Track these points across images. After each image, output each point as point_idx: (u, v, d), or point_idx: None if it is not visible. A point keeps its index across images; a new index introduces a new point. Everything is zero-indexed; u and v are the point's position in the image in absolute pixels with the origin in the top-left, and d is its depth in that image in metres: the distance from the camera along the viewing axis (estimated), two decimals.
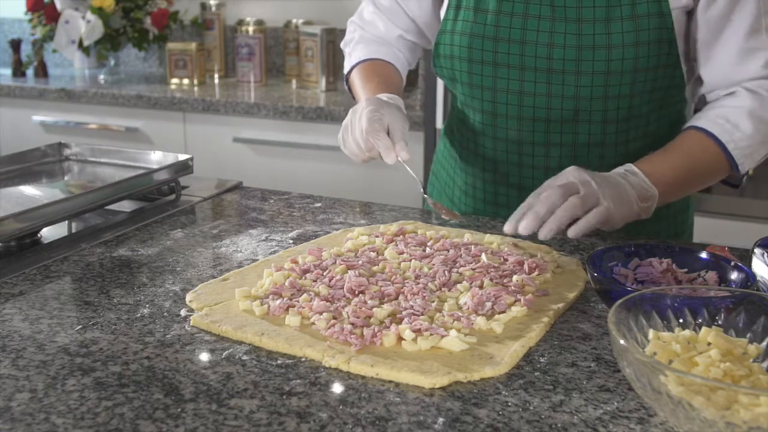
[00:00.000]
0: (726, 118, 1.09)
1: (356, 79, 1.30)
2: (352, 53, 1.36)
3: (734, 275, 0.88)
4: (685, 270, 0.92)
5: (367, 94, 1.21)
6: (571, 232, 0.96)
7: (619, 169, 1.06)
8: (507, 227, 0.98)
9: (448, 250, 1.02)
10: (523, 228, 0.96)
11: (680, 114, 1.23)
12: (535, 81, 1.13)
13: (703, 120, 1.11)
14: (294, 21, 2.99)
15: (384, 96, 1.17)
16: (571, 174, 1.00)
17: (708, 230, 2.20)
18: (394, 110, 1.12)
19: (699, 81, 1.16)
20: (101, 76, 3.11)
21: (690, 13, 1.12)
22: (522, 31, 1.12)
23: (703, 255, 0.92)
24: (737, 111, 1.09)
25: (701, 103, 1.18)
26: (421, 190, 1.15)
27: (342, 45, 1.42)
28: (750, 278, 0.85)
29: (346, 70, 1.37)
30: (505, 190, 1.24)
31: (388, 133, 1.09)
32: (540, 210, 0.96)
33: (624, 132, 1.17)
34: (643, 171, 1.05)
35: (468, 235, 1.09)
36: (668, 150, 1.10)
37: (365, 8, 1.38)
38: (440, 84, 2.31)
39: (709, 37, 1.11)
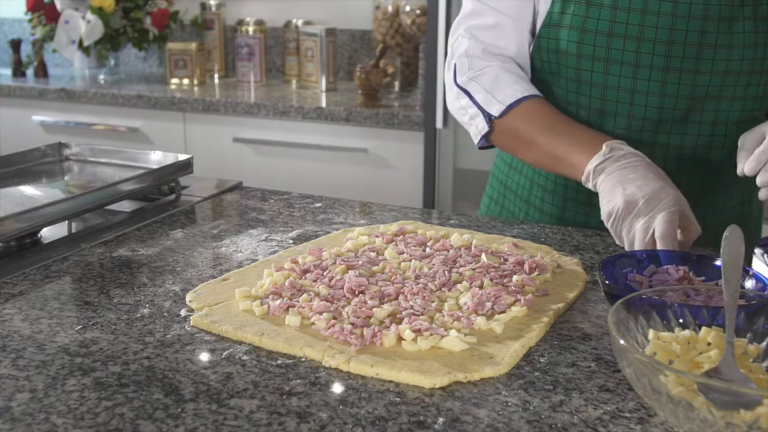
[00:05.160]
0: None
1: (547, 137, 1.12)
2: (495, 93, 1.16)
3: (750, 283, 0.85)
4: (702, 278, 0.90)
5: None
6: None
7: None
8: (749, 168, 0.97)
9: (448, 250, 1.02)
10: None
11: None
12: (649, 79, 1.09)
13: None
14: (294, 21, 2.99)
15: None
16: None
17: None
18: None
19: None
20: (101, 76, 3.11)
21: None
22: (639, 27, 1.07)
23: (720, 263, 0.90)
24: None
25: None
26: None
27: (453, 81, 1.21)
28: (766, 287, 0.83)
29: (484, 123, 1.16)
30: None
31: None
32: None
33: (733, 136, 1.11)
34: None
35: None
36: None
37: (478, 20, 1.20)
38: (440, 84, 2.31)
39: None
